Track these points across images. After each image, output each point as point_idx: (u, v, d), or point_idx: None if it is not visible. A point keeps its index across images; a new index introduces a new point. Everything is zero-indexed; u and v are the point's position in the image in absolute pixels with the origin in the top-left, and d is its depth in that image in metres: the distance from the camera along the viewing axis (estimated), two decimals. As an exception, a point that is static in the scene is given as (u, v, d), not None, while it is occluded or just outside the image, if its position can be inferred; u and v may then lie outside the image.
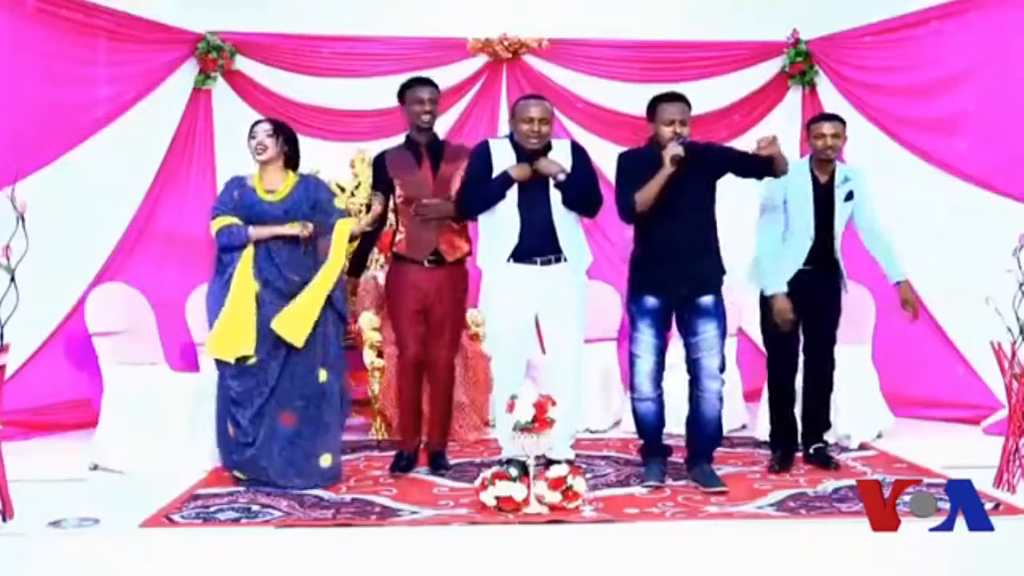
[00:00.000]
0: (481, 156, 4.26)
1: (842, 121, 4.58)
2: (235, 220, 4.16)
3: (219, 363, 4.19)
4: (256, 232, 4.13)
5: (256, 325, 4.11)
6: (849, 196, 4.57)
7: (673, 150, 3.98)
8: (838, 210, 4.56)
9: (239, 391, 4.14)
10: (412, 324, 4.38)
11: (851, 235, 5.04)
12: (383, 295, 5.00)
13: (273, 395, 4.15)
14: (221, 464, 4.32)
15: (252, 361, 4.13)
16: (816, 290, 4.55)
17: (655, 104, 4.14)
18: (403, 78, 4.53)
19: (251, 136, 4.23)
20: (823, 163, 4.52)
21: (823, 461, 4.57)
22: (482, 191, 4.21)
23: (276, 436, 4.15)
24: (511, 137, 4.29)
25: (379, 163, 4.47)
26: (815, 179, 4.52)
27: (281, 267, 4.16)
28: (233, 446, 4.18)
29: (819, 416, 4.70)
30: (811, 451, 4.64)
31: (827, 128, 4.49)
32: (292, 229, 4.14)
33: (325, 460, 4.23)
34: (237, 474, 4.20)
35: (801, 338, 4.61)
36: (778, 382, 4.64)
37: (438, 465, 4.47)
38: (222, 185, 4.46)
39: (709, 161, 4.14)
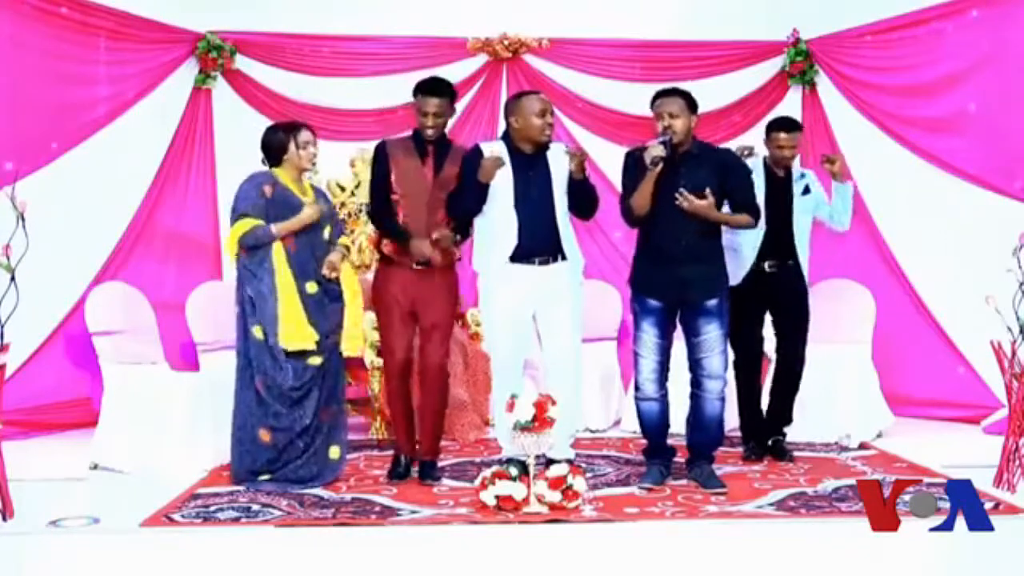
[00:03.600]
0: (473, 162, 4.17)
1: (799, 128, 4.75)
2: (259, 221, 4.13)
3: (267, 368, 4.13)
4: (279, 228, 4.13)
5: (314, 323, 4.16)
6: (806, 190, 4.72)
7: (653, 152, 3.94)
8: (796, 203, 4.68)
9: (297, 397, 4.15)
10: (400, 329, 4.27)
11: (843, 235, 5.07)
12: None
13: (321, 395, 4.22)
14: (238, 471, 4.20)
15: (315, 363, 4.18)
16: (781, 288, 4.66)
17: (653, 100, 4.14)
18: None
19: (302, 146, 4.20)
20: (779, 163, 4.70)
21: (779, 454, 4.71)
22: (462, 197, 4.19)
23: (319, 436, 4.23)
24: (506, 137, 4.26)
25: (380, 153, 4.32)
26: (771, 173, 4.67)
27: (321, 263, 4.23)
28: (266, 451, 4.15)
29: (781, 412, 4.80)
30: (770, 443, 4.75)
31: (784, 139, 4.65)
32: (306, 218, 4.16)
33: (334, 452, 4.28)
34: (263, 476, 4.15)
35: (764, 336, 4.79)
36: (743, 378, 4.77)
37: (427, 475, 4.28)
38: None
39: (724, 171, 4.11)
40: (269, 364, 4.14)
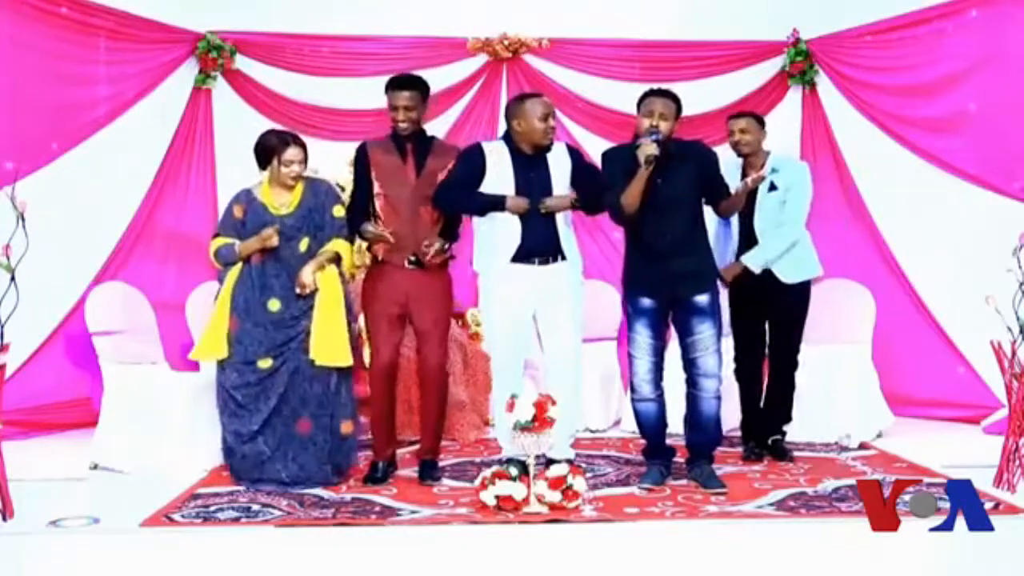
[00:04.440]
0: (472, 159, 4.19)
1: (756, 118, 4.74)
2: (227, 240, 4.20)
3: (220, 370, 4.19)
4: (240, 248, 4.16)
5: (268, 333, 4.13)
6: (772, 187, 4.60)
7: (647, 150, 3.93)
8: (758, 200, 4.60)
9: (243, 398, 4.14)
10: (388, 330, 4.25)
11: (843, 235, 5.02)
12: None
13: (284, 402, 4.15)
14: (228, 471, 4.27)
15: (265, 366, 4.13)
16: (775, 286, 4.61)
17: (643, 97, 4.13)
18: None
19: (285, 164, 4.17)
20: (746, 157, 4.65)
21: (779, 453, 4.70)
22: (463, 198, 4.18)
23: (292, 442, 4.16)
24: (506, 138, 4.26)
25: (360, 155, 4.32)
26: (745, 173, 4.60)
27: (294, 279, 4.16)
28: (229, 451, 4.20)
29: (779, 411, 4.78)
30: (769, 442, 4.74)
31: (733, 124, 4.66)
32: (258, 243, 4.14)
33: (331, 464, 4.25)
34: (241, 482, 4.18)
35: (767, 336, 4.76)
36: (745, 376, 4.77)
37: (427, 475, 4.28)
38: (221, 185, 4.44)
39: (700, 161, 4.14)
40: (226, 365, 4.17)
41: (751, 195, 4.49)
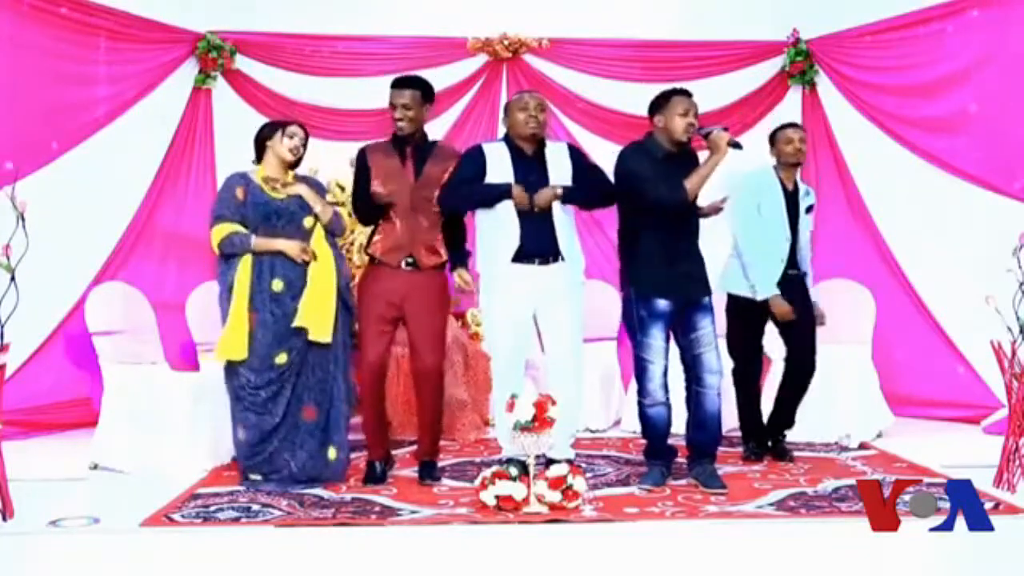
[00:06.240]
0: (474, 159, 4.20)
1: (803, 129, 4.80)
2: (237, 228, 4.14)
3: (238, 367, 4.14)
4: (258, 244, 4.13)
5: (277, 325, 4.12)
6: (808, 209, 4.71)
7: (726, 136, 4.00)
8: (801, 219, 4.67)
9: (266, 396, 4.13)
10: (380, 330, 4.23)
11: (843, 235, 5.03)
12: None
13: (293, 393, 4.17)
14: (240, 467, 4.26)
15: (281, 361, 4.13)
16: (793, 298, 4.57)
17: (668, 96, 4.13)
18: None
19: (288, 135, 4.19)
20: (789, 169, 4.64)
21: (779, 454, 4.71)
22: (468, 191, 4.17)
23: (299, 430, 4.18)
24: (507, 139, 4.26)
25: (360, 158, 4.32)
26: (783, 185, 4.63)
27: (302, 266, 4.16)
28: (249, 449, 4.18)
29: (784, 416, 4.79)
30: (770, 443, 4.76)
31: (794, 133, 4.65)
32: (292, 251, 4.13)
33: (331, 453, 4.25)
34: (253, 476, 4.18)
35: (765, 345, 4.78)
36: (744, 387, 4.75)
37: (426, 475, 4.29)
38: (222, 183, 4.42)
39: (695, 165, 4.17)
40: (244, 365, 4.14)
41: (795, 212, 4.61)
